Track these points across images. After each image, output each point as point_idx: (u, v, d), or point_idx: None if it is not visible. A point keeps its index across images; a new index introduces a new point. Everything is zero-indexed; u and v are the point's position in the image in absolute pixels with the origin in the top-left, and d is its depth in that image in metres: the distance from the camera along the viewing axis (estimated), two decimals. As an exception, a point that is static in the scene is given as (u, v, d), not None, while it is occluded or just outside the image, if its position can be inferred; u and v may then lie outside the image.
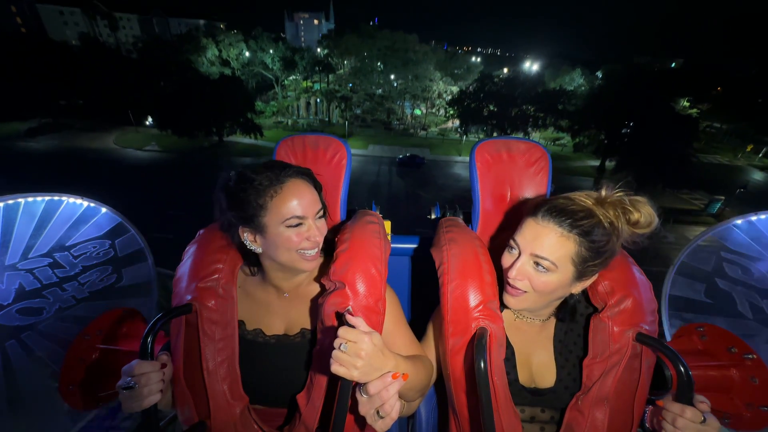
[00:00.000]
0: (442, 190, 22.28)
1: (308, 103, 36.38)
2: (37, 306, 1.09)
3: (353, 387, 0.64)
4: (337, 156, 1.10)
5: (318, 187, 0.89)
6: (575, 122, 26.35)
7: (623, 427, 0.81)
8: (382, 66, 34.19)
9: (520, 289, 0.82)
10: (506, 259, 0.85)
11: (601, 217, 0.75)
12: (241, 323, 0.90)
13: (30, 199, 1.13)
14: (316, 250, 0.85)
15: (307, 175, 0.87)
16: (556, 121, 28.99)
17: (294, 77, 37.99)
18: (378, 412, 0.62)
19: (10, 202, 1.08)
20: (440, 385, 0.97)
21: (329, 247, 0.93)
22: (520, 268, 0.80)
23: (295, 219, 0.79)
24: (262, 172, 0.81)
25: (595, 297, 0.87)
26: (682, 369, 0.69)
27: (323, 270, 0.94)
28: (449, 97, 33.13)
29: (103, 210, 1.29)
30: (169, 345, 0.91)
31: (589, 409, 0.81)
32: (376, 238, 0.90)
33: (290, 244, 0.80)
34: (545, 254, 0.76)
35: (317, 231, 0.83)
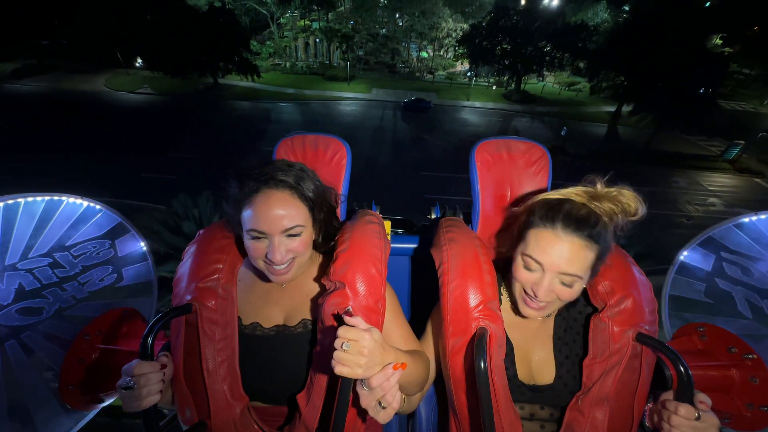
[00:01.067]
0: (449, 135, 21.63)
1: (307, 44, 33.50)
2: (37, 306, 1.09)
3: (354, 382, 0.64)
4: (337, 156, 1.10)
5: (308, 200, 0.83)
6: (595, 62, 23.68)
7: (623, 427, 0.81)
8: (385, 10, 31.76)
9: (542, 302, 0.80)
10: (524, 276, 0.81)
11: (602, 215, 0.77)
12: (238, 319, 0.90)
13: (30, 199, 1.13)
14: (284, 265, 0.81)
15: (291, 186, 0.80)
16: (574, 62, 26.28)
17: (291, 14, 34.33)
18: (380, 403, 0.62)
19: (10, 202, 1.08)
20: (440, 385, 0.97)
21: (329, 247, 0.93)
22: (548, 288, 0.78)
23: (255, 233, 0.78)
24: (250, 174, 0.80)
25: (595, 297, 0.87)
26: (682, 369, 0.69)
27: (323, 270, 0.94)
28: (460, 35, 30.14)
29: (103, 210, 1.29)
30: (169, 345, 0.91)
31: (589, 409, 0.81)
32: (376, 238, 0.90)
33: (255, 254, 0.80)
34: (572, 270, 0.75)
35: (276, 250, 0.77)
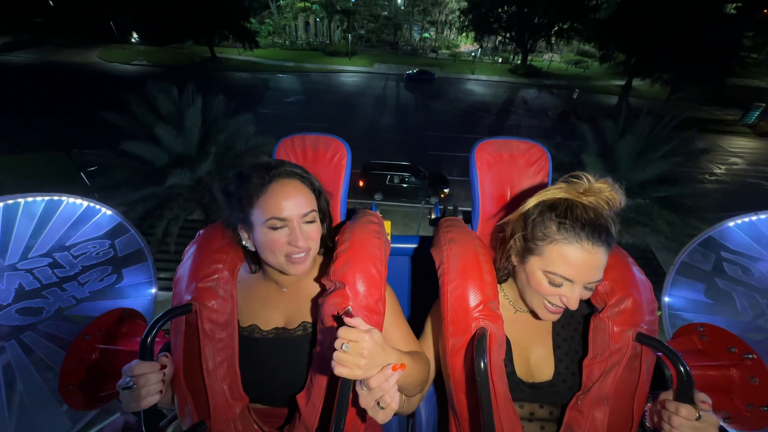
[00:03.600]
0: (454, 102, 21.32)
1: (307, 23, 32.66)
2: (37, 306, 1.09)
3: (353, 382, 0.64)
4: (337, 156, 1.10)
5: (316, 190, 0.87)
6: (606, 30, 22.24)
7: (623, 427, 0.81)
8: None
9: (561, 307, 0.80)
10: (550, 290, 0.78)
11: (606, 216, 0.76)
12: (237, 324, 0.90)
13: (30, 199, 1.13)
14: (304, 254, 0.82)
15: (300, 175, 0.84)
16: (584, 32, 24.65)
17: None
18: (378, 404, 0.62)
19: (10, 202, 1.08)
20: (440, 385, 0.97)
21: (329, 247, 0.93)
22: (579, 298, 0.76)
23: (277, 221, 0.78)
24: (256, 170, 0.81)
25: (595, 297, 0.87)
26: (682, 369, 0.69)
27: (323, 270, 0.94)
28: (464, 4, 28.70)
29: (103, 210, 1.29)
30: (169, 345, 0.91)
31: (589, 409, 0.81)
32: (376, 238, 0.90)
33: (274, 246, 0.79)
34: (600, 277, 0.75)
35: (300, 236, 0.79)
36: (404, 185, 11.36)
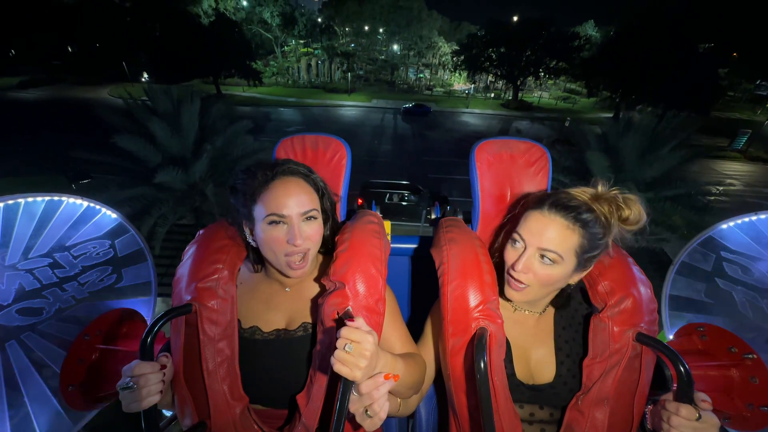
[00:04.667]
0: (450, 132, 22.10)
1: (309, 65, 35.38)
2: (37, 306, 1.09)
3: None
4: (337, 156, 1.10)
5: (320, 189, 0.88)
6: (590, 68, 24.78)
7: (623, 427, 0.81)
8: (385, 34, 33.27)
9: (523, 283, 0.82)
10: (510, 254, 0.85)
11: (598, 212, 0.79)
12: (238, 321, 0.90)
13: (30, 199, 1.13)
14: (302, 257, 0.82)
15: (304, 174, 0.86)
16: (569, 69, 27.49)
17: (294, 42, 36.10)
18: (366, 411, 0.62)
19: (10, 202, 1.08)
20: (440, 385, 0.97)
21: (329, 247, 0.93)
22: (526, 262, 0.80)
23: (275, 216, 0.78)
24: (261, 167, 0.83)
25: (595, 297, 0.87)
26: (682, 369, 0.68)
27: (323, 270, 0.94)
28: (456, 48, 31.98)
29: (103, 210, 1.29)
30: (168, 345, 0.91)
31: (589, 409, 0.81)
32: (376, 238, 0.90)
33: (273, 244, 0.79)
34: (552, 247, 0.77)
35: (298, 234, 0.78)
36: (404, 203, 11.17)
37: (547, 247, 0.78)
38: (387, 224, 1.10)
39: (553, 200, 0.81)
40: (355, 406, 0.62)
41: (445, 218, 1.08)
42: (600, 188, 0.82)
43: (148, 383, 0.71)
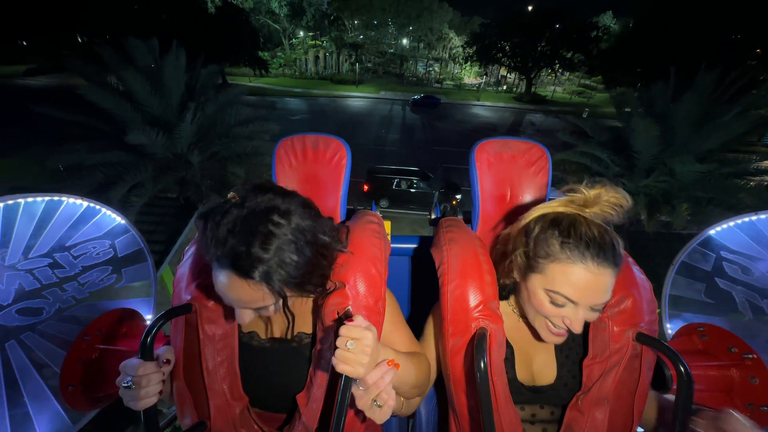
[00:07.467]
0: (461, 123, 21.59)
1: (317, 57, 34.58)
2: (37, 306, 1.09)
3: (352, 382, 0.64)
4: (337, 156, 1.10)
5: (281, 293, 0.67)
6: (608, 60, 22.73)
7: (623, 427, 0.81)
8: (394, 26, 32.74)
9: (568, 331, 0.77)
10: (552, 311, 0.75)
11: (608, 228, 0.73)
12: (237, 326, 0.90)
13: (30, 199, 1.13)
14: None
15: (243, 272, 0.63)
16: (587, 60, 25.31)
17: (302, 34, 35.33)
18: (376, 402, 0.62)
19: (10, 202, 1.08)
20: (440, 385, 0.97)
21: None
22: (583, 321, 0.73)
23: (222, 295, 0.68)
24: (218, 239, 0.63)
25: None
26: (682, 369, 0.69)
27: None
28: (467, 40, 30.80)
29: (103, 210, 1.29)
30: (169, 345, 0.91)
31: (589, 409, 0.81)
32: (376, 238, 0.90)
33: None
34: (606, 299, 0.72)
35: (239, 316, 0.71)
36: (412, 190, 10.66)
37: (601, 302, 0.72)
38: (387, 224, 1.10)
39: (586, 245, 0.69)
40: (362, 400, 0.62)
41: (445, 218, 1.08)
42: (585, 192, 0.73)
43: (147, 384, 0.71)
